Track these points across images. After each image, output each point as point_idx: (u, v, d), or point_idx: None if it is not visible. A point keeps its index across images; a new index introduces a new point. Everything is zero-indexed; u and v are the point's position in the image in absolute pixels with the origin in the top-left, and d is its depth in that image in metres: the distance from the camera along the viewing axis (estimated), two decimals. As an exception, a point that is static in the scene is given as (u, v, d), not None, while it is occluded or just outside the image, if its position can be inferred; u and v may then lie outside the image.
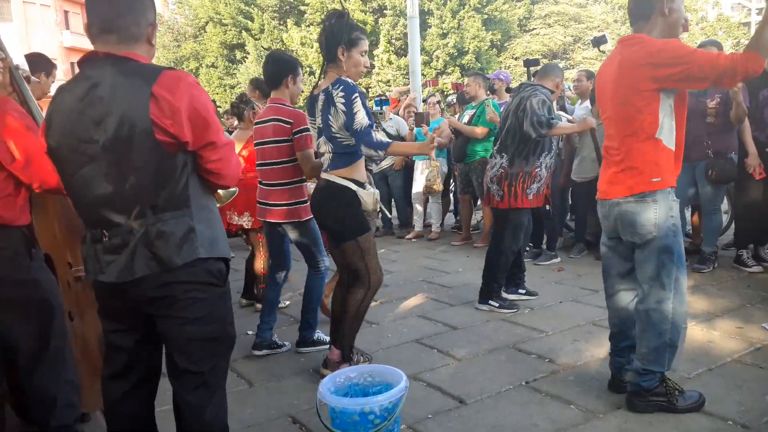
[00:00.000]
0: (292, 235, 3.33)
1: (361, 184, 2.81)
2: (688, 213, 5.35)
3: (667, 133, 2.34)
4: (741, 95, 4.13)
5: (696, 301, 3.95)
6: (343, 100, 2.64)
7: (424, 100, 7.25)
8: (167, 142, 1.57)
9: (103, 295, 1.76)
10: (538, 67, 4.52)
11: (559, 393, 2.69)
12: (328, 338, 3.30)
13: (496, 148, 3.98)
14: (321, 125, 2.81)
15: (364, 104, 2.67)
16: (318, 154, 3.03)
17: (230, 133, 4.99)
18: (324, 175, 2.86)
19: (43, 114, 2.46)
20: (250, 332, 3.72)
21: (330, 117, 2.71)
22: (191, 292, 1.66)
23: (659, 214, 2.34)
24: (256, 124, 3.34)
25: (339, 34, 2.70)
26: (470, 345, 3.37)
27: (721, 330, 3.38)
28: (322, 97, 2.76)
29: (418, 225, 7.01)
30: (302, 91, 3.43)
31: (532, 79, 4.59)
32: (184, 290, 1.65)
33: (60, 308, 2.20)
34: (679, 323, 2.41)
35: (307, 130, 3.11)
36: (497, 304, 3.97)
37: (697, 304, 3.87)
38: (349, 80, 2.71)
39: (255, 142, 3.36)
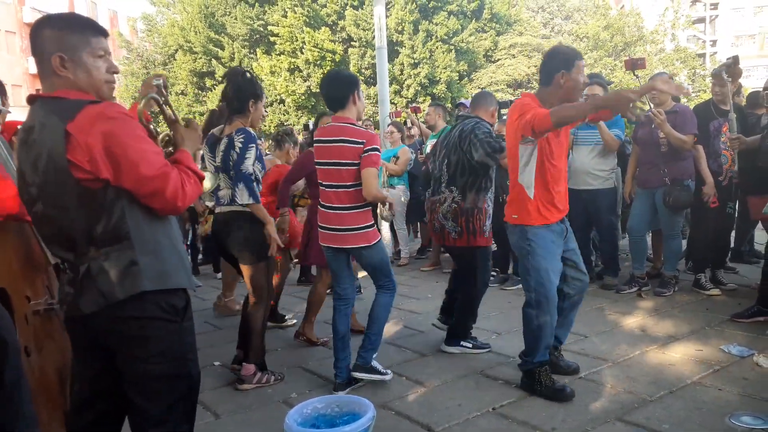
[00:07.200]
0: (363, 259, 3.23)
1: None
2: (649, 238, 5.50)
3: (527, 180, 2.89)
4: (667, 126, 4.34)
5: (657, 324, 4.05)
6: (240, 145, 3.12)
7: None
8: (87, 179, 1.56)
9: (68, 325, 1.79)
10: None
11: (526, 418, 2.71)
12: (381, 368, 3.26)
13: (443, 183, 3.71)
14: (220, 164, 3.25)
15: (257, 156, 3.15)
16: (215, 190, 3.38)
17: None
18: (227, 208, 3.28)
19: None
20: (216, 363, 3.66)
21: (230, 158, 3.16)
22: (144, 329, 1.65)
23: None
24: (318, 142, 3.17)
25: (250, 88, 3.21)
26: (439, 372, 3.38)
27: (682, 352, 3.47)
28: (225, 140, 3.22)
29: (387, 251, 7.03)
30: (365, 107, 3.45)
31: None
32: (138, 327, 1.65)
33: (14, 343, 2.13)
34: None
35: (377, 149, 3.05)
36: (470, 345, 3.71)
37: (657, 327, 3.96)
38: (251, 130, 3.19)
39: (318, 161, 3.17)
